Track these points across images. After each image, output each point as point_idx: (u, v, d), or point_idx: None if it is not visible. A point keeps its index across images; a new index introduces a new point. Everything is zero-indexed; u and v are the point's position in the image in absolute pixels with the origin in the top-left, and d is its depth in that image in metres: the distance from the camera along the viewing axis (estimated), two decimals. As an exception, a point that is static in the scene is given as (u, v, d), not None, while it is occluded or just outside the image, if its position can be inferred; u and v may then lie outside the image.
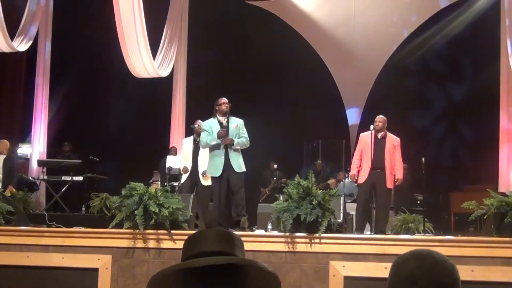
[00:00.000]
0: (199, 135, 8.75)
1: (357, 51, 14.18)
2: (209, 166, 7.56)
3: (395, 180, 8.06)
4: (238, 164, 7.43)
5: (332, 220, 6.56)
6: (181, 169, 8.95)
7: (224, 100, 7.60)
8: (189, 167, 8.71)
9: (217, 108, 7.59)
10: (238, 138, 7.43)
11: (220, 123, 7.47)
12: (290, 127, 13.94)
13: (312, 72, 14.24)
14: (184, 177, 8.79)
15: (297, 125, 14.11)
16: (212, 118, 7.61)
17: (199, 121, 8.78)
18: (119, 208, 6.73)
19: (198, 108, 13.37)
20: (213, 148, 7.44)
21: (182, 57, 13.32)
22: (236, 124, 7.46)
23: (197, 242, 2.03)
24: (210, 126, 7.54)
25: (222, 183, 7.36)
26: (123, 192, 6.75)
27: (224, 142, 7.33)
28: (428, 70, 14.14)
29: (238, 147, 7.40)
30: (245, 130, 7.53)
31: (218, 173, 7.38)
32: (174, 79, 13.32)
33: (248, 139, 7.50)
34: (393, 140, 8.16)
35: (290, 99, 14.41)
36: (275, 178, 12.73)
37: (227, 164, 7.41)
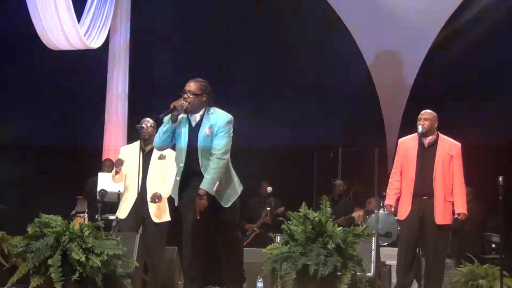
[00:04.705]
0: (150, 140, 8.62)
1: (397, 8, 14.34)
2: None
3: (457, 215, 8.04)
4: (223, 191, 6.87)
5: (358, 273, 6.55)
6: (114, 176, 8.67)
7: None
8: (133, 191, 8.51)
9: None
10: (207, 159, 7.00)
11: (190, 125, 7.10)
12: (292, 127, 13.96)
13: (326, 40, 14.27)
14: (125, 208, 8.59)
15: (303, 125, 14.12)
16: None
17: (148, 120, 8.68)
18: (23, 255, 6.67)
19: (147, 99, 13.39)
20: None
21: (122, 19, 13.30)
22: (209, 126, 7.10)
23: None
24: (179, 124, 7.23)
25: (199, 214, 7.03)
26: (29, 230, 6.70)
27: (198, 208, 6.80)
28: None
29: (215, 185, 6.99)
30: (223, 133, 7.09)
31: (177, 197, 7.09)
32: (110, 53, 13.29)
33: (222, 152, 7.00)
34: (448, 147, 8.09)
35: (292, 83, 14.42)
36: (268, 208, 12.70)
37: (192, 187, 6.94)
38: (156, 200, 8.30)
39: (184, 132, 6.88)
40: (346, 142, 14.53)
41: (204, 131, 6.82)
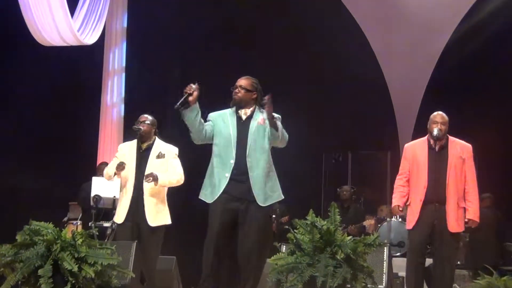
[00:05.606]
0: (146, 137, 8.54)
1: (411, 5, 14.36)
2: (205, 184, 7.27)
3: (466, 221, 8.01)
4: (264, 190, 7.07)
5: (369, 286, 6.54)
6: (112, 175, 8.50)
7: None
8: (129, 193, 8.42)
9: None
10: (255, 152, 7.10)
11: (239, 118, 7.24)
12: (299, 129, 13.90)
13: (337, 39, 14.27)
14: (122, 212, 8.53)
15: (311, 127, 14.12)
16: (228, 109, 7.31)
17: (146, 116, 8.59)
18: (11, 265, 6.66)
19: (145, 98, 13.39)
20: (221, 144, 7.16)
21: (118, 13, 13.33)
22: (263, 118, 7.19)
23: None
24: (219, 118, 7.26)
25: (226, 219, 7.06)
26: (18, 237, 6.69)
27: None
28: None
29: (279, 136, 7.09)
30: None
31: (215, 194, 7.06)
32: (106, 50, 13.31)
33: (284, 132, 7.19)
34: (460, 150, 8.05)
35: (300, 82, 14.43)
36: (274, 216, 12.71)
37: (241, 184, 7.06)
38: (151, 178, 8.13)
39: (232, 124, 7.11)
40: (356, 145, 14.53)
41: (257, 120, 7.13)
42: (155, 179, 8.16)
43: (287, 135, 7.20)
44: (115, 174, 8.36)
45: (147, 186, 8.28)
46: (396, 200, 8.14)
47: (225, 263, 7.03)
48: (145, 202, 8.30)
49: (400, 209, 8.14)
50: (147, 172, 8.27)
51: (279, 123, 7.09)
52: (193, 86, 6.89)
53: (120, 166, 8.29)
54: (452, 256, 8.09)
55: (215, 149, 7.17)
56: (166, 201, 8.43)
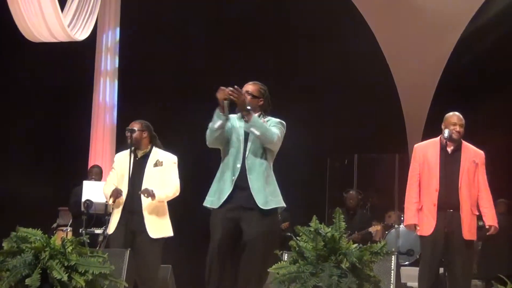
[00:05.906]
0: (142, 144, 8.53)
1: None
2: (212, 190, 7.36)
3: (486, 228, 8.00)
4: (264, 193, 7.20)
5: (376, 296, 6.53)
6: (108, 197, 8.51)
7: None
8: (123, 203, 8.39)
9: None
10: (254, 155, 7.25)
11: (245, 122, 7.36)
12: (302, 131, 13.94)
13: (344, 38, 14.28)
14: (114, 222, 8.51)
15: (315, 128, 14.12)
16: (235, 114, 7.43)
17: (139, 122, 8.57)
18: (-3, 274, 6.66)
19: (139, 99, 13.39)
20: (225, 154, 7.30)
21: (111, 8, 13.31)
22: (265, 120, 7.35)
23: None
24: (229, 123, 7.35)
25: (228, 227, 7.19)
26: (5, 245, 6.68)
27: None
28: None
29: (259, 124, 7.13)
30: (276, 127, 7.30)
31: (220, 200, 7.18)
32: (97, 46, 13.30)
33: (277, 133, 7.21)
34: (473, 155, 8.06)
35: (306, 82, 14.42)
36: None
37: (243, 191, 7.17)
38: (146, 195, 8.13)
39: (240, 128, 7.24)
40: (363, 147, 14.52)
41: None
42: (150, 194, 8.18)
43: (270, 133, 7.20)
44: (110, 197, 8.33)
45: (145, 202, 8.28)
46: (410, 215, 8.08)
47: (229, 271, 7.09)
48: (145, 218, 8.29)
49: (418, 227, 8.05)
50: (144, 182, 8.28)
51: (255, 119, 7.11)
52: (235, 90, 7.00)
53: (117, 194, 8.25)
54: (468, 266, 8.08)
55: (225, 154, 7.30)
56: (167, 212, 8.43)
